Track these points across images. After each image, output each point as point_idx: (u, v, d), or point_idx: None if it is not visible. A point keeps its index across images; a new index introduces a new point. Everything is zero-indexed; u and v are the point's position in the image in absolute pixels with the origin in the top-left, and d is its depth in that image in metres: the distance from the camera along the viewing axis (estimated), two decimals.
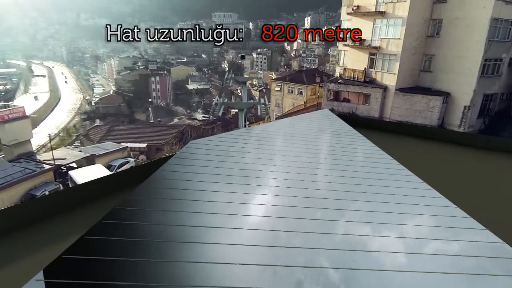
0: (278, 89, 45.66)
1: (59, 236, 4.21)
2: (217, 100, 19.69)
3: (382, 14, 21.70)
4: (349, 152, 5.77)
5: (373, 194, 3.98)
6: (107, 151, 23.69)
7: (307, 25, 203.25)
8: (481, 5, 18.77)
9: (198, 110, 69.40)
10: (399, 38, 21.06)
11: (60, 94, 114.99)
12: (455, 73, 20.53)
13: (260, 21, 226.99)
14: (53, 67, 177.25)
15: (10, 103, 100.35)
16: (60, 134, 74.90)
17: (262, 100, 20.30)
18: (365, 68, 23.61)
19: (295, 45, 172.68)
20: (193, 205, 3.38)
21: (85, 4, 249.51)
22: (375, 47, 22.48)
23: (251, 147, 5.82)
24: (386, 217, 3.50)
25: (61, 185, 20.14)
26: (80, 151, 23.10)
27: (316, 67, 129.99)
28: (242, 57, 18.92)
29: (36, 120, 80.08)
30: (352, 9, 23.53)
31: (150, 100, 78.26)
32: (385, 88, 22.48)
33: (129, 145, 27.46)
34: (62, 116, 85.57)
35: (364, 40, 23.30)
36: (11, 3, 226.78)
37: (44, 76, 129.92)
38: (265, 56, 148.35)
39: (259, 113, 18.88)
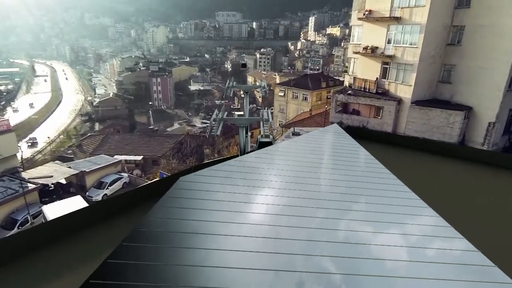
0: (282, 94, 43.84)
1: (76, 258, 4.11)
2: (216, 115, 17.83)
3: (397, 20, 19.78)
4: (352, 171, 5.59)
5: (368, 214, 4.02)
6: (98, 167, 22.06)
7: (311, 24, 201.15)
8: (510, 12, 16.80)
9: (200, 114, 67.62)
10: (416, 47, 19.14)
11: (62, 94, 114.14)
12: (478, 85, 18.57)
13: (264, 21, 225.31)
14: (51, 64, 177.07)
15: (12, 103, 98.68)
16: (60, 136, 73.76)
17: (265, 115, 18.39)
18: (377, 78, 21.71)
19: (299, 45, 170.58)
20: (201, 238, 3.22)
21: (90, 3, 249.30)
22: (389, 56, 20.58)
23: (254, 175, 5.25)
24: (374, 226, 3.61)
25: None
26: (69, 167, 21.47)
27: (320, 67, 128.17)
28: (243, 66, 17.27)
29: (36, 122, 79.05)
30: (364, 14, 21.62)
31: (150, 103, 76.65)
32: (399, 101, 20.57)
33: (124, 157, 25.81)
34: (62, 118, 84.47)
35: (377, 47, 21.43)
36: (16, 1, 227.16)
37: (45, 80, 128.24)
38: (268, 56, 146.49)
39: (261, 133, 17.06)
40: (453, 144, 17.90)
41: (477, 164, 8.51)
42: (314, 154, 6.86)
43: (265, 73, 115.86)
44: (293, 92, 42.65)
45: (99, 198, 20.98)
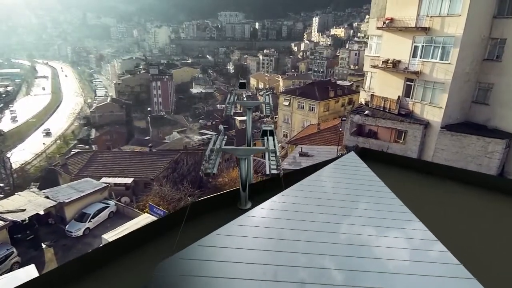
0: (287, 103, 41.03)
1: None
2: (214, 143, 15.07)
3: (425, 30, 16.95)
4: (365, 209, 4.98)
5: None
6: (80, 195, 19.43)
7: (314, 25, 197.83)
8: None
9: (199, 121, 64.86)
10: (449, 62, 16.30)
11: (62, 96, 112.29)
12: None
13: (267, 21, 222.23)
14: (46, 63, 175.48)
15: (10, 106, 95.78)
16: (57, 141, 71.57)
17: (271, 145, 15.57)
18: (399, 96, 18.90)
19: (302, 46, 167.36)
20: None
21: (92, 3, 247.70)
22: (415, 72, 17.75)
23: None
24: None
25: (14, 249, 15.97)
26: (46, 196, 18.85)
27: (324, 70, 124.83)
28: (242, 85, 14.56)
29: (29, 128, 76.79)
30: (384, 23, 18.80)
31: (149, 109, 74.03)
32: (426, 124, 17.75)
33: (112, 180, 23.19)
34: (61, 121, 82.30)
35: (399, 61, 18.60)
36: (18, 1, 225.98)
37: (44, 88, 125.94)
38: (271, 58, 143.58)
39: (267, 172, 14.24)
40: (485, 174, 15.07)
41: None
42: (334, 206, 5.64)
43: (268, 75, 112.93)
44: (299, 102, 39.84)
45: (80, 233, 18.37)
